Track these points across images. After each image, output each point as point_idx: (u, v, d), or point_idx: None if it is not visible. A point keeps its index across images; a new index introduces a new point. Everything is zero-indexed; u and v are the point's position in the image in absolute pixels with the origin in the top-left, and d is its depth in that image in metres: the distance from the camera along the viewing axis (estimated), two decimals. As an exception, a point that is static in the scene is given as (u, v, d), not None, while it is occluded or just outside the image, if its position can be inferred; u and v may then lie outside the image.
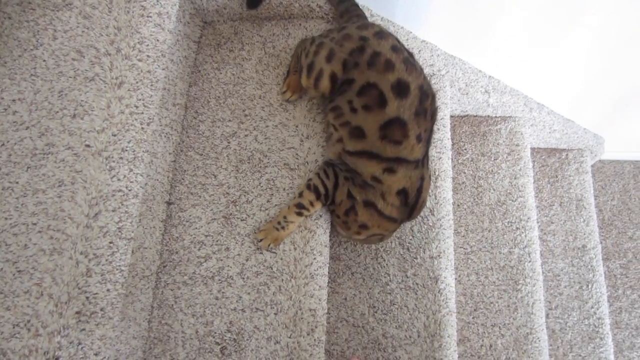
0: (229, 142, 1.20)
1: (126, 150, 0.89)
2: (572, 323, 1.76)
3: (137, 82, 0.92)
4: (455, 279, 1.61)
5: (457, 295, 1.59)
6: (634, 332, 1.96)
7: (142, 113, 0.93)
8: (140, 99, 0.92)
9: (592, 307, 1.77)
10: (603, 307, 1.77)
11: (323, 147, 1.17)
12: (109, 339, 0.83)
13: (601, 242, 2.06)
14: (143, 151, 0.93)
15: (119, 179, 0.88)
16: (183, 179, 1.18)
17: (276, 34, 1.27)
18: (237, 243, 1.12)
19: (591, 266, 1.82)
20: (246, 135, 1.19)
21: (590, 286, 1.79)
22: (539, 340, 1.53)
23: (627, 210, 2.13)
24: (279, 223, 1.11)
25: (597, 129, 1.94)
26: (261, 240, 1.11)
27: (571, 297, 1.79)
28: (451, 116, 1.78)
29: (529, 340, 1.53)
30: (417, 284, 1.30)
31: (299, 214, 1.12)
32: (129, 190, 0.89)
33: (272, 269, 1.09)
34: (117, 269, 0.85)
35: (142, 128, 0.93)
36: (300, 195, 1.12)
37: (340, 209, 1.11)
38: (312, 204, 1.12)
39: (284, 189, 1.14)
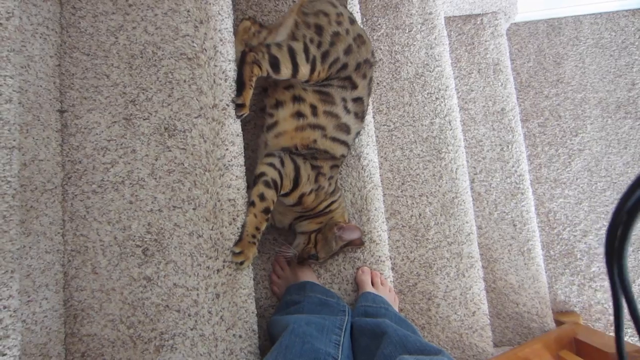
0: (116, 38, 1.09)
1: (-15, 50, 0.79)
2: (496, 184, 1.85)
3: (-19, -29, 0.80)
4: (382, 156, 1.63)
5: (385, 172, 1.62)
6: (552, 184, 2.10)
7: (-4, 7, 0.81)
8: (-10, -9, 0.81)
9: (512, 166, 1.86)
10: (523, 164, 1.87)
11: (221, 32, 1.09)
12: (9, 253, 0.79)
13: (519, 105, 2.13)
14: (8, 50, 0.83)
15: (-17, 83, 0.79)
16: (72, 84, 1.08)
17: None
18: (142, 144, 1.06)
19: (510, 127, 1.88)
20: (134, 28, 1.09)
21: (510, 147, 1.87)
22: (464, 203, 1.61)
23: (543, 70, 2.18)
24: (253, 236, 1.07)
25: (510, -10, 1.92)
26: (242, 262, 1.04)
27: (494, 160, 1.87)
28: (362, -10, 1.70)
29: (454, 204, 1.60)
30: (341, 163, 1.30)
31: (267, 219, 1.11)
32: (0, 95, 0.80)
33: (183, 165, 1.05)
34: (2, 180, 0.79)
35: (1, 24, 0.82)
36: (262, 197, 1.09)
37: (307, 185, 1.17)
38: (273, 201, 1.11)
39: (185, 81, 1.06)
